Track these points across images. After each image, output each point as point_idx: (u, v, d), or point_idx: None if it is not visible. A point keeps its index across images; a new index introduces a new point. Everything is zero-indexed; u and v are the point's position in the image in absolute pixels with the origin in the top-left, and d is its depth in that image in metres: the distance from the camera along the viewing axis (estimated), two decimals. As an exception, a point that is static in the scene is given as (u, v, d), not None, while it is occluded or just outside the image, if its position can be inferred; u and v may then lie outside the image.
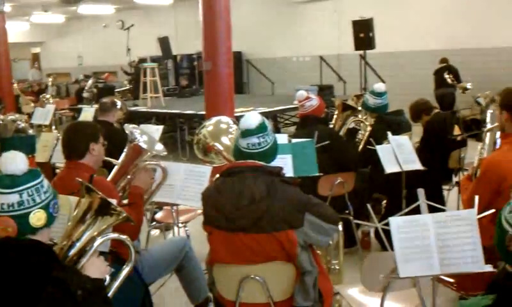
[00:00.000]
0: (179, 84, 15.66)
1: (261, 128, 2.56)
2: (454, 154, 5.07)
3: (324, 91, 11.56)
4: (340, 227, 3.40)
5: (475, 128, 6.25)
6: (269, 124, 2.65)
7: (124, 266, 2.24)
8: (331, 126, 5.46)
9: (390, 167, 4.14)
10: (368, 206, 2.76)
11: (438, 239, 2.31)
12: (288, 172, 3.51)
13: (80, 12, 17.61)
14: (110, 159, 3.56)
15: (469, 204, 3.02)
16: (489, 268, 2.26)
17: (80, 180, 2.28)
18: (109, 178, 3.32)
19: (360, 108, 5.61)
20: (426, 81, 11.11)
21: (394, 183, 4.34)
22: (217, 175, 2.67)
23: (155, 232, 5.40)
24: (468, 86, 10.26)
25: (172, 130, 10.75)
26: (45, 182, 2.04)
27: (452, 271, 2.34)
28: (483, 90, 8.68)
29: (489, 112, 4.14)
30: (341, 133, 5.24)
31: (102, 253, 2.19)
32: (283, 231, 2.42)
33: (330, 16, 14.08)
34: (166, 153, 3.60)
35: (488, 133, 3.75)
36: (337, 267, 3.65)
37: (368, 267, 2.67)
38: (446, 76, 10.63)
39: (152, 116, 10.77)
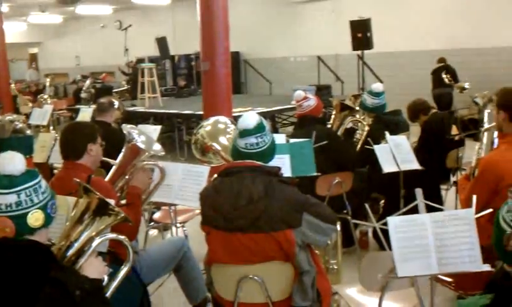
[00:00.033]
0: (177, 84, 15.66)
1: (259, 128, 2.56)
2: (451, 154, 5.07)
3: (322, 91, 11.57)
4: (338, 227, 3.40)
5: (472, 128, 6.25)
6: (267, 124, 2.65)
7: (122, 266, 2.24)
8: (329, 126, 5.46)
9: (387, 167, 4.15)
10: (366, 206, 2.78)
11: (436, 239, 2.31)
12: (286, 172, 3.51)
13: (78, 12, 17.61)
14: (108, 159, 3.55)
15: (467, 204, 3.03)
16: (487, 267, 2.26)
17: (78, 180, 2.28)
18: (107, 179, 3.32)
19: (357, 108, 5.61)
20: (425, 81, 11.13)
21: (392, 183, 4.34)
22: (215, 175, 2.67)
23: (153, 232, 5.40)
24: (466, 85, 10.26)
25: (170, 130, 10.74)
26: (43, 183, 2.04)
27: (450, 271, 2.34)
28: (483, 90, 8.66)
29: (486, 112, 4.14)
30: (339, 133, 5.24)
31: (100, 253, 2.19)
32: (281, 231, 2.42)
33: (328, 16, 14.08)
34: (163, 153, 3.59)
35: (486, 133, 3.75)
36: (335, 267, 3.65)
37: (366, 267, 2.67)
38: (443, 76, 10.64)
39: (149, 116, 10.77)
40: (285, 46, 15.11)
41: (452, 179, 5.28)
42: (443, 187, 5.17)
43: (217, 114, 4.44)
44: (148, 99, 11.32)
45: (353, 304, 2.88)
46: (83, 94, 14.11)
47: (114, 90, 14.07)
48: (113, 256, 2.67)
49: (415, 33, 12.34)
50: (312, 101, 4.71)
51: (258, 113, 2.68)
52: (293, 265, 2.48)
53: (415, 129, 5.36)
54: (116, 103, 5.71)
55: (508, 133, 3.22)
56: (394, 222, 2.34)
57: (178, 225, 4.28)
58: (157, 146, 3.59)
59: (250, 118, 2.58)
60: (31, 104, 12.59)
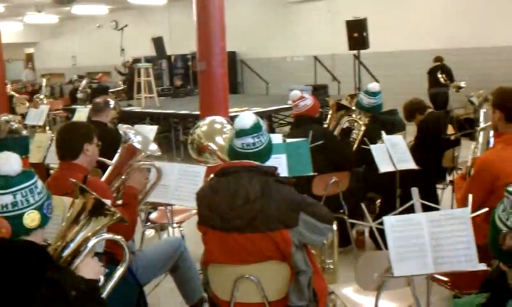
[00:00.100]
0: (173, 84, 15.64)
1: (255, 128, 2.56)
2: (447, 153, 5.09)
3: (318, 91, 11.56)
4: (335, 226, 3.41)
5: (468, 127, 6.25)
6: (263, 124, 2.65)
7: (118, 266, 2.23)
8: (326, 125, 5.46)
9: (384, 167, 4.16)
10: (363, 205, 2.77)
11: (432, 238, 2.32)
12: (283, 172, 3.51)
13: (74, 12, 17.57)
14: (104, 159, 3.55)
15: (463, 203, 3.03)
16: (482, 266, 2.27)
17: (74, 180, 2.27)
18: (103, 179, 3.31)
19: (354, 108, 5.62)
20: (422, 81, 11.13)
21: (388, 183, 4.35)
22: (212, 175, 2.67)
23: (150, 232, 5.39)
24: (462, 84, 10.28)
25: (166, 130, 10.73)
26: (39, 183, 2.04)
27: (446, 270, 2.35)
28: (483, 90, 8.69)
29: (482, 112, 4.15)
30: (335, 132, 5.24)
31: (96, 254, 2.18)
32: (277, 230, 2.42)
33: (324, 16, 14.10)
34: (160, 153, 3.59)
35: (482, 133, 3.75)
36: (332, 266, 3.66)
37: (362, 266, 2.67)
38: (439, 75, 10.66)
39: (146, 116, 10.75)
40: (281, 46, 15.11)
41: (448, 178, 5.30)
42: (439, 186, 5.19)
43: (214, 114, 4.44)
44: (145, 99, 11.29)
45: (349, 303, 2.88)
46: (79, 95, 14.08)
47: (110, 90, 14.02)
48: (109, 257, 2.66)
49: (414, 33, 12.34)
50: (309, 101, 4.71)
51: (254, 113, 2.68)
52: (289, 264, 2.48)
53: (411, 128, 5.38)
54: (112, 102, 5.69)
55: (504, 132, 3.22)
56: (390, 221, 2.35)
57: (174, 225, 4.27)
58: (154, 146, 3.59)
59: (247, 117, 2.58)
60: (27, 104, 12.56)
